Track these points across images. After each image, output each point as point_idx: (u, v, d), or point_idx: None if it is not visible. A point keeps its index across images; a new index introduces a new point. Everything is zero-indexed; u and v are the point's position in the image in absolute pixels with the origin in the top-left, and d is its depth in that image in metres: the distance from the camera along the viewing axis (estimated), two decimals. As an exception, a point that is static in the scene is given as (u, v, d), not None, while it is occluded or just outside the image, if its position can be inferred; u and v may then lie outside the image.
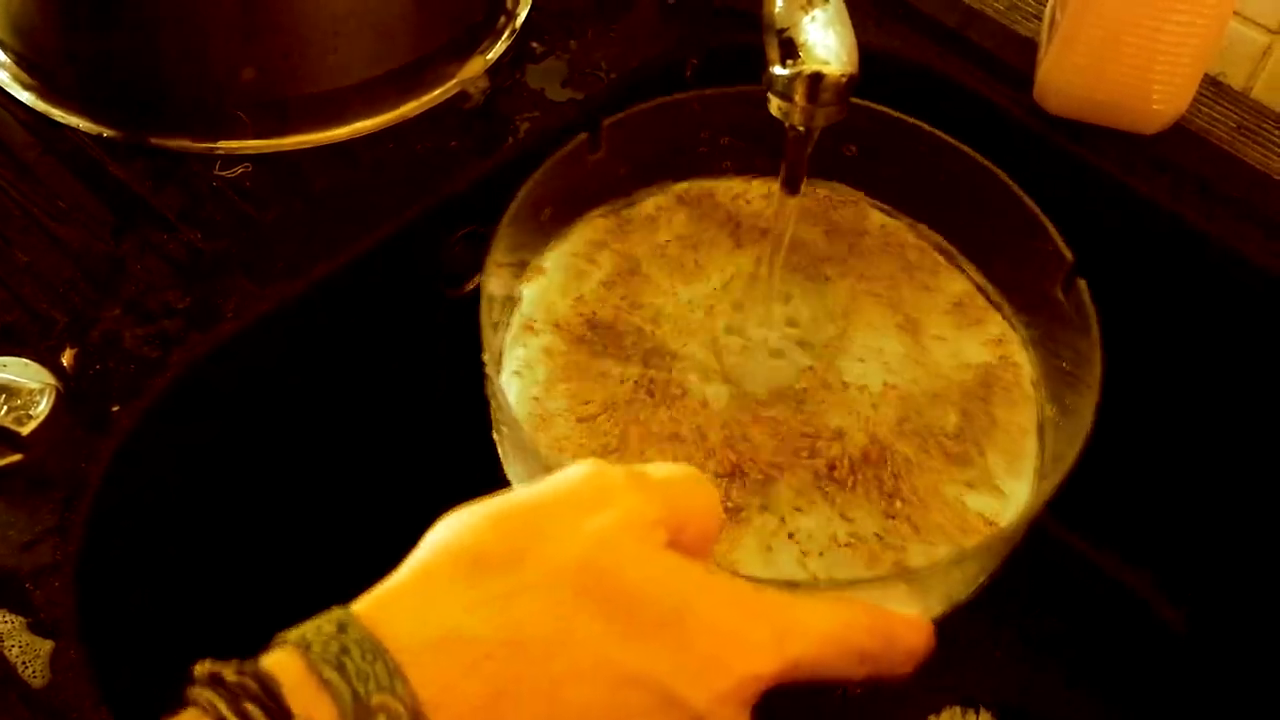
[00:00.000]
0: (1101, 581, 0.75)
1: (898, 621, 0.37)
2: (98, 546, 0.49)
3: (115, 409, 0.51)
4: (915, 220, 0.58)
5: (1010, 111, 0.66)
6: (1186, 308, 0.65)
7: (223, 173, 0.61)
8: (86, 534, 0.48)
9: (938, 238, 0.57)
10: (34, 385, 0.50)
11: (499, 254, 0.49)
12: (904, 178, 0.56)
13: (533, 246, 0.54)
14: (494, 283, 0.48)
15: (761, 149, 0.57)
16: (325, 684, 0.28)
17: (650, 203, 0.58)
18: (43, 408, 0.49)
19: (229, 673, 0.29)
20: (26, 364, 0.51)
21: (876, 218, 0.58)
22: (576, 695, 0.30)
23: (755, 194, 0.59)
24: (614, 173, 0.55)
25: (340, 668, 0.29)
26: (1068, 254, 0.50)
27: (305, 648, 0.29)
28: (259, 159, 0.61)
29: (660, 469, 0.35)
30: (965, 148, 0.53)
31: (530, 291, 0.53)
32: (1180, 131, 0.65)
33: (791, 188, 0.50)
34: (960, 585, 0.44)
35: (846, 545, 0.46)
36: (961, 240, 0.56)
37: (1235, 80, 0.70)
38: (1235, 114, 0.68)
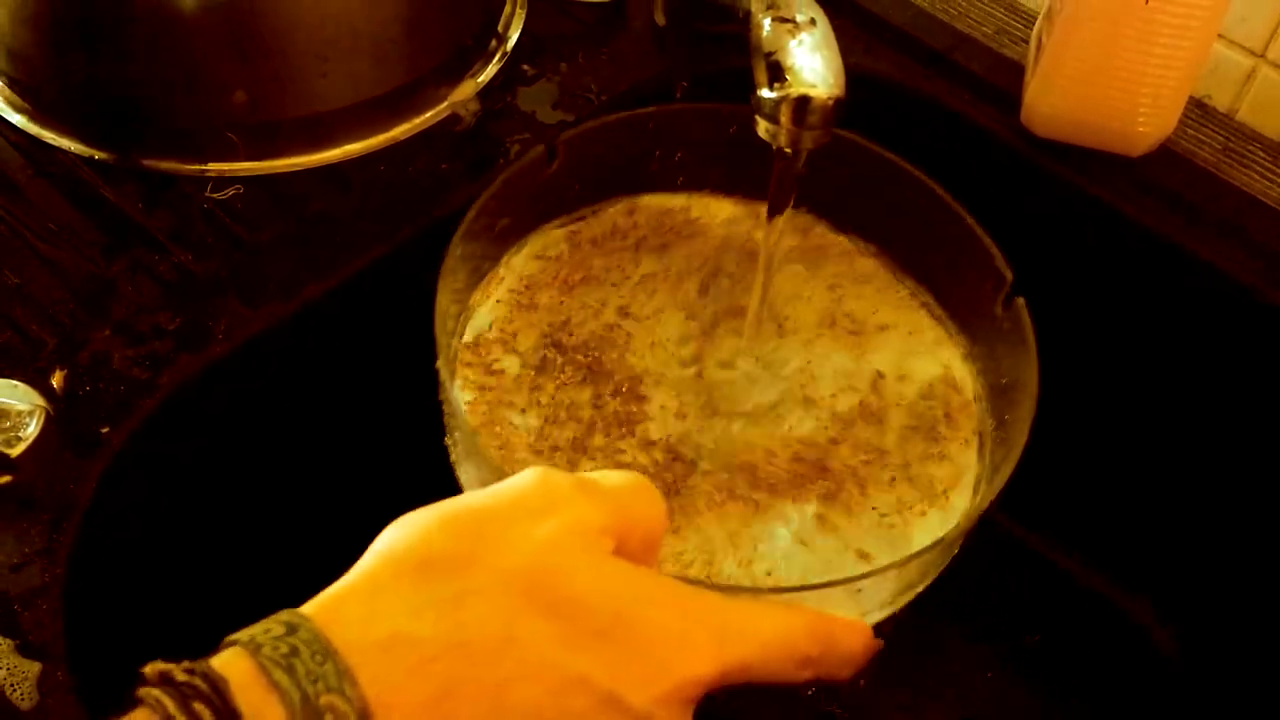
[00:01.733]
0: (1093, 603, 0.75)
1: (838, 625, 0.38)
2: (86, 568, 0.49)
3: (104, 430, 0.51)
4: (861, 237, 0.59)
5: (997, 134, 0.67)
6: (1172, 329, 0.65)
7: (214, 194, 0.61)
8: (75, 556, 0.48)
9: (883, 255, 0.58)
10: (23, 407, 0.50)
11: (453, 262, 0.50)
12: (849, 194, 0.57)
13: (489, 256, 0.55)
14: (448, 291, 0.49)
15: (716, 165, 0.58)
16: (274, 685, 0.29)
17: (605, 216, 0.59)
18: (32, 430, 0.49)
19: (178, 672, 0.29)
20: (16, 385, 0.51)
21: (824, 234, 0.59)
22: (521, 697, 0.31)
23: (708, 209, 0.60)
24: (570, 186, 0.57)
25: (289, 669, 0.29)
26: (1007, 272, 0.51)
27: (255, 648, 0.29)
28: (250, 181, 0.62)
29: (608, 477, 0.36)
30: (907, 164, 0.54)
31: (485, 300, 0.54)
32: (1166, 154, 0.66)
33: (777, 210, 0.50)
34: (899, 593, 0.45)
35: (785, 557, 0.48)
36: (905, 257, 0.58)
37: (1221, 103, 0.71)
38: (1221, 136, 0.69)
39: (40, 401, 0.51)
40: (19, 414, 0.50)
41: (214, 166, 0.62)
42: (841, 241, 0.59)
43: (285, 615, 0.30)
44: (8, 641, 0.45)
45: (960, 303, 0.55)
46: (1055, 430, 0.72)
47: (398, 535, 0.33)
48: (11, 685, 0.44)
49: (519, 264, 0.56)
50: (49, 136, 0.62)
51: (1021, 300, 0.50)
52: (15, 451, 0.49)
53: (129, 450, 0.51)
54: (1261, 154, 0.68)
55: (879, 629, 0.40)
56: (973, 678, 0.73)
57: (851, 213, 0.58)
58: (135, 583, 0.54)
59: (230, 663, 0.29)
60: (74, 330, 0.54)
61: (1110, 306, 0.67)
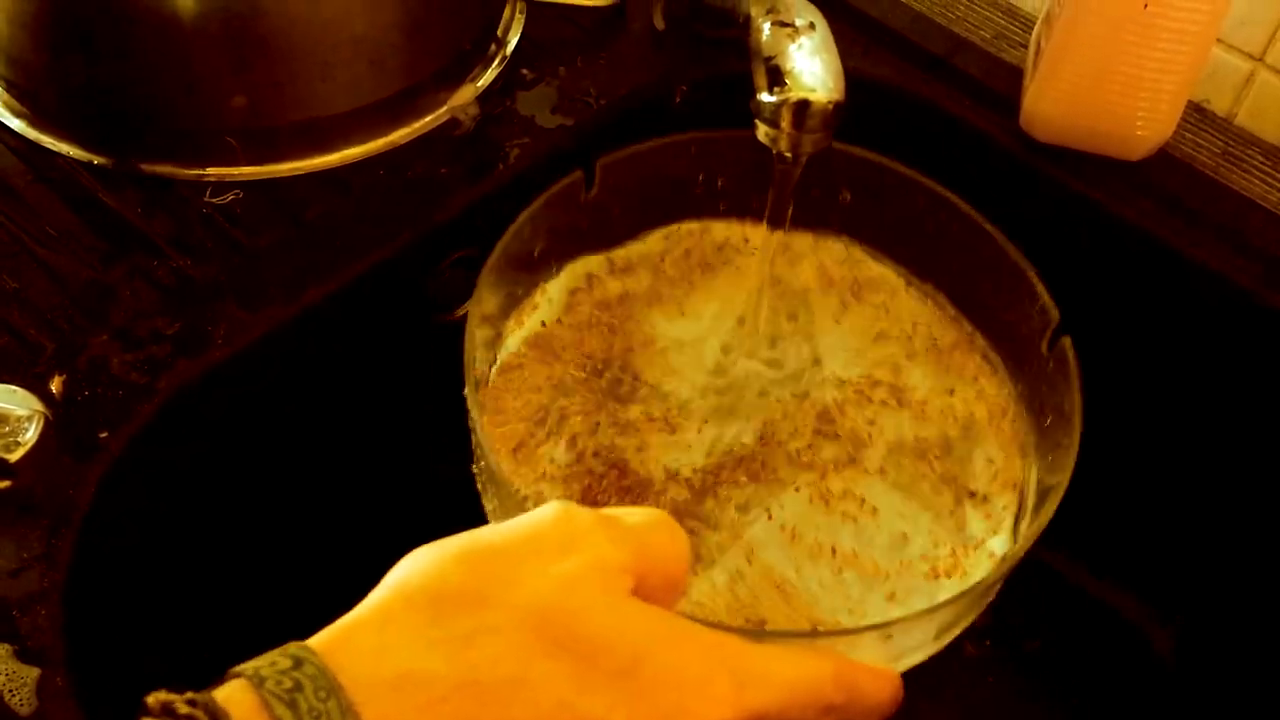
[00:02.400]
0: (1092, 607, 0.75)
1: (864, 673, 0.37)
2: (85, 573, 0.49)
3: (103, 435, 0.51)
4: (907, 269, 0.58)
5: (997, 138, 0.67)
6: (1172, 333, 0.65)
7: (213, 199, 0.61)
8: (73, 561, 0.48)
9: (928, 287, 0.57)
10: (22, 412, 0.50)
11: (487, 288, 0.49)
12: (897, 227, 0.56)
13: (523, 282, 0.54)
14: (480, 317, 0.48)
15: (758, 191, 0.57)
16: (276, 719, 0.28)
17: (644, 242, 0.58)
18: (30, 435, 0.49)
19: (180, 704, 0.29)
20: (14, 391, 0.51)
21: (870, 266, 0.58)
22: None
23: (750, 235, 0.59)
24: (608, 211, 0.56)
25: (292, 704, 0.28)
26: (1054, 312, 0.50)
27: (259, 681, 0.29)
28: (249, 186, 0.62)
29: (630, 514, 0.35)
30: (958, 199, 0.53)
31: (518, 327, 0.54)
32: (1165, 158, 0.66)
33: (777, 220, 0.50)
34: (930, 639, 0.44)
35: (821, 589, 0.47)
36: (951, 291, 0.57)
37: (1219, 107, 0.71)
38: (1220, 140, 0.69)
39: (39, 406, 0.51)
40: (18, 419, 0.50)
41: (213, 171, 0.62)
42: (884, 272, 0.58)
43: (293, 648, 0.30)
44: (6, 647, 0.45)
45: (1004, 339, 0.54)
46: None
47: (411, 569, 0.32)
48: (10, 690, 0.44)
49: (554, 290, 0.55)
50: (48, 141, 0.62)
51: (1068, 340, 0.49)
52: (14, 456, 0.49)
53: (128, 455, 0.51)
54: (1260, 158, 0.68)
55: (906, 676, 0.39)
56: (972, 681, 0.73)
57: (898, 245, 0.57)
58: (134, 588, 0.54)
59: (233, 696, 0.29)
60: (73, 335, 0.54)
61: (1109, 311, 0.67)
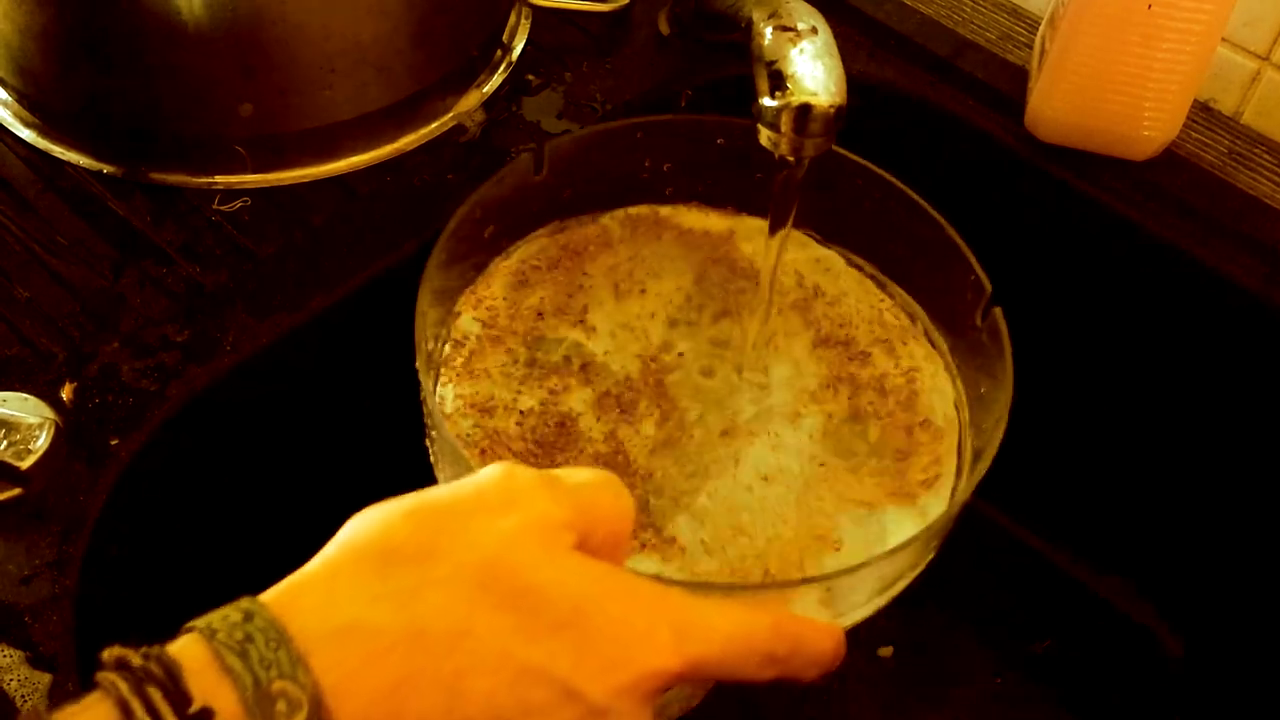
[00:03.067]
0: (1101, 608, 0.75)
1: (806, 626, 0.38)
2: (96, 580, 0.49)
3: (114, 442, 0.52)
4: (846, 248, 0.59)
5: (1002, 139, 0.67)
6: (1178, 333, 0.65)
7: (221, 207, 0.61)
8: (85, 567, 0.48)
9: (869, 266, 0.58)
10: (33, 420, 0.50)
11: (436, 265, 0.50)
12: (837, 208, 0.57)
13: (477, 261, 0.55)
14: (428, 294, 0.49)
15: (703, 176, 0.59)
16: (227, 670, 0.29)
17: (595, 225, 0.59)
18: (42, 442, 0.50)
19: (134, 657, 0.30)
20: (26, 399, 0.52)
21: (811, 247, 0.59)
22: (477, 687, 0.31)
23: (696, 220, 0.60)
24: (558, 194, 0.57)
25: (243, 654, 0.29)
26: (986, 283, 0.51)
27: (210, 634, 0.30)
28: (257, 193, 0.62)
29: (574, 473, 0.36)
30: (894, 179, 0.54)
31: (472, 305, 0.55)
32: (1171, 158, 0.66)
33: (780, 221, 0.50)
34: (873, 595, 0.45)
35: (757, 556, 0.48)
36: (890, 268, 0.58)
37: (1225, 106, 0.70)
38: (1226, 139, 0.69)
39: (50, 414, 0.51)
40: (29, 427, 0.50)
41: (221, 179, 0.62)
42: (826, 254, 0.59)
43: (244, 603, 0.31)
44: (19, 653, 0.46)
45: (941, 312, 0.56)
46: (1062, 436, 0.72)
47: (360, 526, 0.33)
48: (23, 697, 0.45)
49: (506, 270, 0.56)
50: (58, 151, 0.63)
51: (999, 311, 0.50)
52: (26, 464, 0.49)
53: (138, 462, 0.52)
54: (1267, 157, 0.68)
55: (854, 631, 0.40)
56: (982, 682, 0.73)
57: (836, 225, 0.58)
58: (145, 593, 0.55)
59: (185, 648, 0.30)
60: (83, 343, 0.55)
61: (1116, 311, 0.67)
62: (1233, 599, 0.70)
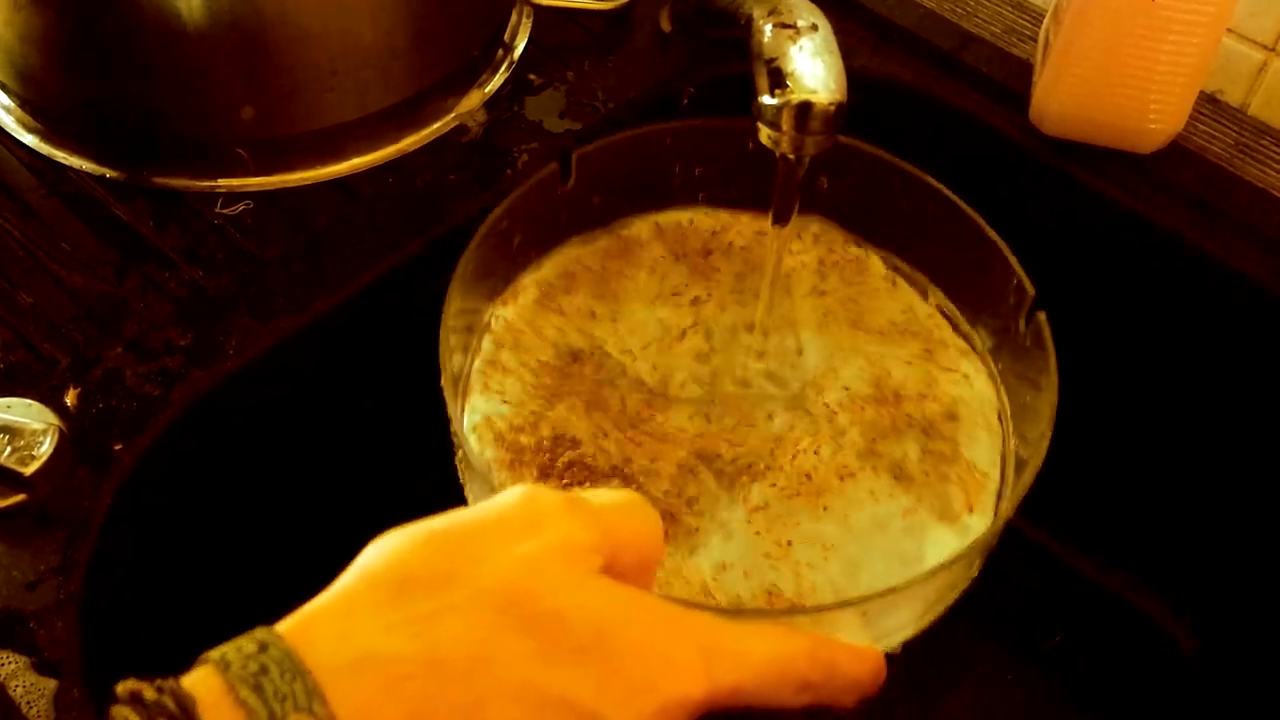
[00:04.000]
0: (1113, 605, 0.75)
1: (841, 651, 0.36)
2: (101, 585, 0.49)
3: (118, 447, 0.52)
4: (885, 251, 0.58)
5: (1007, 133, 0.67)
6: (1187, 326, 0.65)
7: (224, 210, 0.61)
8: (89, 573, 0.48)
9: (908, 268, 0.57)
10: (37, 426, 0.50)
11: (463, 279, 0.49)
12: (875, 209, 0.56)
13: (504, 273, 0.55)
14: (454, 309, 0.49)
15: (736, 180, 0.58)
16: (241, 703, 0.29)
17: (624, 233, 0.58)
18: (46, 448, 0.50)
19: (148, 691, 0.29)
20: (30, 404, 0.52)
21: (848, 249, 0.58)
22: (498, 715, 0.30)
23: (729, 224, 0.59)
24: (587, 202, 0.56)
25: (257, 687, 0.29)
26: (1029, 287, 0.50)
27: (224, 666, 0.29)
28: (260, 196, 0.62)
29: (600, 495, 0.35)
30: (933, 180, 0.53)
31: (500, 318, 0.54)
32: (1177, 150, 0.66)
33: (782, 218, 0.50)
34: (916, 616, 0.44)
35: (794, 577, 0.47)
36: (930, 271, 0.57)
37: (1232, 97, 0.70)
38: (1233, 131, 0.68)
39: (54, 419, 0.51)
40: (33, 432, 0.50)
41: (223, 182, 0.62)
42: (864, 255, 0.58)
43: (259, 633, 0.30)
44: (24, 659, 0.46)
45: (984, 318, 0.55)
46: (1073, 432, 0.72)
47: (377, 552, 0.32)
48: (28, 703, 0.45)
49: (536, 281, 0.55)
50: (60, 156, 0.63)
51: (1043, 315, 0.49)
52: (30, 470, 0.49)
53: (142, 466, 0.52)
54: (1274, 148, 0.67)
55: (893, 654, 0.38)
56: (993, 679, 0.73)
57: (876, 227, 0.58)
58: (151, 598, 0.55)
59: (200, 681, 0.29)
60: (86, 348, 0.55)
61: (1123, 305, 0.67)
62: (1246, 593, 0.70)
